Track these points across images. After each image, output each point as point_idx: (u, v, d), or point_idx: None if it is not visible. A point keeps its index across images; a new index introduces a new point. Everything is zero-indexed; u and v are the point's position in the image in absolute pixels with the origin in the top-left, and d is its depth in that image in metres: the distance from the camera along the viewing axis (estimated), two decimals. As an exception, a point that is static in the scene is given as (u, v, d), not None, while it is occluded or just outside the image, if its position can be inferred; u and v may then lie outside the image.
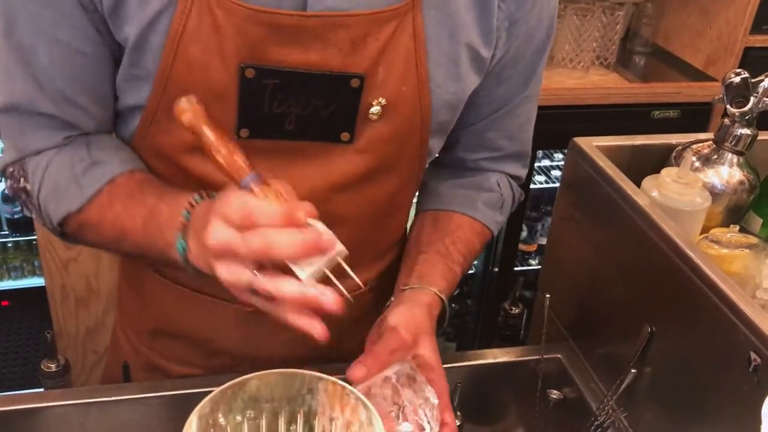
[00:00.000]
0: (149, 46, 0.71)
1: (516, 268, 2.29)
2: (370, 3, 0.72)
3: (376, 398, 0.69)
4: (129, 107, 0.78)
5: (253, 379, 0.50)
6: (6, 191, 0.82)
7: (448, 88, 0.80)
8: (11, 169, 0.80)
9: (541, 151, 2.35)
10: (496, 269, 2.23)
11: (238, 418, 0.49)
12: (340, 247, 0.61)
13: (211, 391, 0.89)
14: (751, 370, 0.72)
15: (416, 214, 0.99)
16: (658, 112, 2.04)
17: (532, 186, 2.22)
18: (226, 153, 0.62)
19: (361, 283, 0.66)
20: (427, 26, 0.75)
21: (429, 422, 0.70)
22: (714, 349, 0.79)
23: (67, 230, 0.80)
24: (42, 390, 0.93)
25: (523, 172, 1.01)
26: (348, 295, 0.62)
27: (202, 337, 0.94)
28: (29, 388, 2.39)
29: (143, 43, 0.71)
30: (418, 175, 0.90)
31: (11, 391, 2.38)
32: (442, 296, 0.84)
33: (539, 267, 2.23)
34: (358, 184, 0.83)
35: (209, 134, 0.62)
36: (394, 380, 0.71)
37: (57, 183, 0.78)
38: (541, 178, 2.40)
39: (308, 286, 0.59)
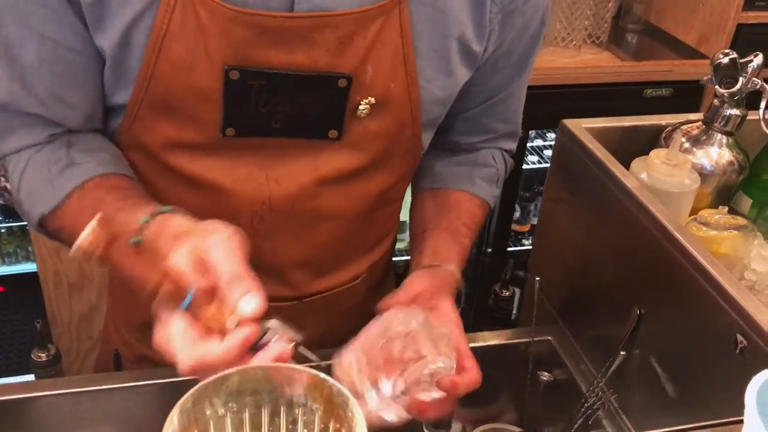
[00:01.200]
0: (132, 45, 0.70)
1: (509, 248, 2.29)
2: (358, 1, 0.71)
3: (391, 341, 0.69)
4: (113, 105, 0.77)
5: (234, 374, 0.50)
6: None
7: (438, 83, 0.79)
8: None
9: (533, 132, 2.34)
10: (489, 249, 2.23)
11: (221, 411, 0.50)
12: (290, 336, 0.60)
13: (197, 381, 0.90)
14: (737, 352, 0.73)
15: (414, 195, 0.98)
16: (650, 90, 2.04)
17: (524, 166, 2.22)
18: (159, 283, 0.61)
19: (320, 362, 0.64)
20: (416, 22, 0.74)
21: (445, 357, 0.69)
22: (702, 331, 0.79)
23: (47, 230, 0.79)
24: (33, 379, 0.93)
25: (514, 146, 1.01)
26: (315, 360, 0.63)
27: (190, 330, 0.94)
28: (21, 374, 2.40)
29: (126, 41, 0.70)
30: (411, 170, 0.90)
31: (7, 376, 2.40)
32: (458, 275, 0.83)
33: (532, 247, 2.24)
34: (348, 180, 0.82)
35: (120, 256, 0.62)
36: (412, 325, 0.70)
37: (32, 184, 0.77)
38: (534, 158, 2.40)
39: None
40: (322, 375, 0.50)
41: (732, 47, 2.04)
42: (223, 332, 0.58)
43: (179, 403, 0.46)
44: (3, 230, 2.58)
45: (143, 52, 0.70)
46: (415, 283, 0.80)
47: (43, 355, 0.93)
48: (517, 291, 2.30)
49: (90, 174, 0.76)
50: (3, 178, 0.79)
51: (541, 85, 1.91)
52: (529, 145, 2.33)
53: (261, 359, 0.58)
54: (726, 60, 0.90)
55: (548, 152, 2.40)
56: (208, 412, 0.49)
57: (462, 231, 0.89)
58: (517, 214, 2.38)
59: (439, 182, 0.95)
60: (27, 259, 2.62)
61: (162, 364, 0.96)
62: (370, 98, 0.75)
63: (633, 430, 0.90)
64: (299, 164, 0.79)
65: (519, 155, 2.17)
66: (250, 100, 0.73)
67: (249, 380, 0.50)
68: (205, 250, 0.60)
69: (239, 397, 0.50)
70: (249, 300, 0.58)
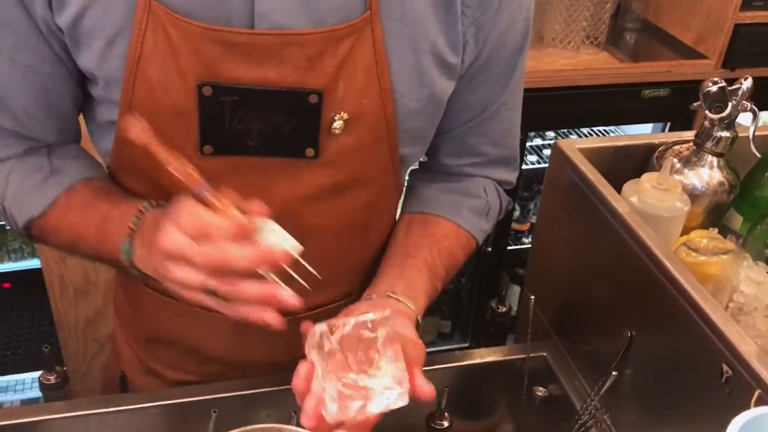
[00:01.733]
0: (109, 69, 0.73)
1: (509, 247, 2.31)
2: (323, 20, 0.72)
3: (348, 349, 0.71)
4: (106, 123, 0.80)
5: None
6: None
7: (413, 96, 0.79)
8: None
9: (532, 131, 2.36)
10: (490, 248, 2.25)
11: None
12: (292, 243, 0.66)
13: (205, 400, 0.93)
14: (723, 381, 0.75)
15: (401, 214, 0.98)
16: (648, 90, 2.05)
17: (524, 166, 2.24)
18: (177, 165, 0.67)
19: (317, 275, 0.71)
20: (388, 37, 0.75)
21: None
22: (689, 357, 0.81)
23: (32, 233, 0.84)
24: (42, 402, 0.96)
25: (512, 176, 0.99)
26: (309, 287, 0.68)
27: (194, 346, 0.96)
28: (31, 371, 2.44)
29: (103, 66, 0.73)
30: (395, 184, 0.90)
31: (14, 374, 2.43)
32: (420, 320, 0.85)
33: (527, 264, 2.26)
34: (329, 196, 0.83)
35: (159, 148, 0.66)
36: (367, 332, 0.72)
37: (19, 191, 0.82)
38: (533, 158, 2.41)
39: (265, 286, 0.65)
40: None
41: (730, 47, 2.06)
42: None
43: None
44: (8, 227, 2.61)
45: (121, 76, 0.73)
46: (378, 303, 0.82)
47: (52, 378, 0.96)
48: (516, 292, 2.32)
49: (74, 178, 0.82)
50: None
51: (539, 87, 1.92)
52: (528, 144, 2.35)
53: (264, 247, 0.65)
54: (715, 89, 0.92)
55: (547, 151, 2.41)
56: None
57: (439, 273, 0.89)
58: (516, 213, 2.40)
59: (426, 207, 0.95)
60: (32, 255, 2.64)
61: (168, 379, 1.00)
62: (343, 113, 0.76)
63: (624, 448, 0.93)
64: (279, 184, 0.80)
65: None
66: (224, 117, 0.75)
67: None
68: None
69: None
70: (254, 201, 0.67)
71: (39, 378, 0.97)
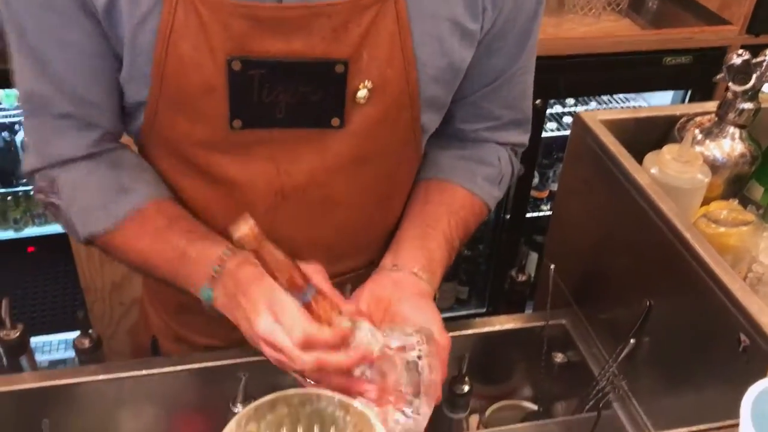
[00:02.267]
0: (141, 47, 0.74)
1: (528, 215, 2.32)
2: None
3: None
4: (133, 104, 0.82)
5: (276, 399, 0.55)
6: (35, 200, 0.87)
7: (435, 64, 0.81)
8: (42, 184, 0.84)
9: (552, 99, 2.35)
10: (508, 216, 2.26)
11: (263, 428, 0.55)
12: (383, 342, 0.72)
13: (233, 364, 0.96)
14: (740, 350, 0.77)
15: (418, 180, 0.99)
16: (670, 58, 2.03)
17: (543, 134, 2.23)
18: (280, 269, 0.69)
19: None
20: (410, 7, 0.76)
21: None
22: (707, 327, 0.83)
23: (95, 244, 0.86)
24: (77, 363, 0.99)
25: (524, 138, 1.00)
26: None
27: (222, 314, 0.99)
28: (61, 332, 2.50)
29: (135, 43, 0.74)
30: (415, 152, 0.92)
31: (45, 334, 2.50)
32: (437, 294, 0.87)
33: (550, 213, 2.27)
34: (354, 166, 0.85)
35: (269, 252, 0.68)
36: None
37: (86, 205, 0.83)
38: (553, 125, 2.40)
39: (351, 382, 0.71)
40: (349, 399, 0.56)
41: (755, 12, 2.03)
42: (330, 324, 0.70)
43: (226, 429, 0.51)
44: (32, 192, 2.64)
45: (152, 53, 0.74)
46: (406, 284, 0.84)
47: (86, 341, 0.99)
48: (534, 259, 2.33)
49: (144, 201, 0.83)
50: (53, 196, 0.84)
51: (560, 55, 1.91)
52: (548, 112, 2.34)
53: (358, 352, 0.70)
54: (739, 61, 0.92)
55: (567, 119, 2.41)
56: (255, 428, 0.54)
57: (455, 244, 0.91)
58: (536, 181, 2.40)
59: (442, 173, 0.96)
60: (56, 220, 2.68)
61: (197, 344, 1.03)
62: (367, 82, 0.78)
63: (642, 414, 0.95)
64: (307, 155, 0.83)
65: (538, 123, 2.18)
66: (253, 91, 0.77)
67: (287, 402, 0.55)
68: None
69: (278, 418, 0.56)
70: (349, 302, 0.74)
71: (74, 342, 1.00)
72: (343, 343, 0.70)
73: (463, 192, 0.96)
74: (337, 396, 0.57)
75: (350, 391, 0.71)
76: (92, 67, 0.78)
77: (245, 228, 0.65)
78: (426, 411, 0.71)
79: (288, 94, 0.78)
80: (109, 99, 0.82)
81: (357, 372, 0.72)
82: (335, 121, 0.80)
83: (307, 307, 0.69)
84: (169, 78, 0.76)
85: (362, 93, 0.78)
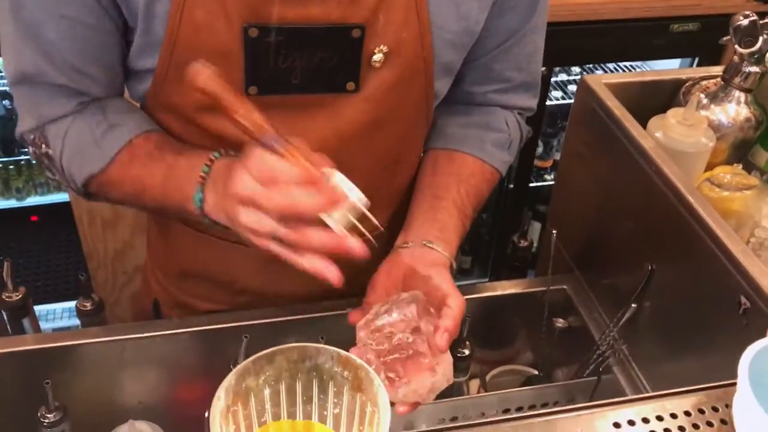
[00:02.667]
0: (156, 13, 0.73)
1: (531, 184, 2.31)
2: None
3: (390, 336, 0.74)
4: (141, 70, 0.81)
5: (274, 352, 0.55)
6: (30, 157, 0.87)
7: (451, 28, 0.81)
8: (32, 137, 0.84)
9: (557, 66, 2.32)
10: (512, 185, 2.25)
11: (261, 384, 0.55)
12: (358, 195, 0.66)
13: (235, 326, 0.96)
14: (740, 312, 0.77)
15: (426, 151, 0.99)
16: (677, 25, 2.00)
17: (548, 102, 2.22)
18: (244, 112, 0.66)
19: (380, 226, 0.70)
20: None
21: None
22: (708, 290, 0.83)
23: (90, 190, 0.85)
24: (79, 326, 1.00)
25: (533, 102, 1.00)
26: (373, 241, 0.68)
27: (227, 279, 0.99)
28: (63, 301, 2.51)
29: (150, 10, 0.73)
30: (426, 118, 0.92)
31: (50, 302, 2.51)
32: (454, 263, 0.87)
33: (554, 182, 2.26)
34: (367, 132, 0.85)
35: (226, 96, 0.65)
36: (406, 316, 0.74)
37: (78, 147, 0.82)
38: (558, 93, 2.38)
39: (333, 235, 0.65)
40: (347, 353, 0.56)
41: (764, -21, 2.00)
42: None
43: (224, 382, 0.52)
44: (34, 161, 2.64)
45: (166, 19, 0.73)
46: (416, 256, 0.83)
47: (88, 304, 1.00)
48: (537, 229, 2.33)
49: (133, 133, 0.82)
50: (44, 145, 0.83)
51: (565, 21, 1.89)
52: (553, 80, 2.32)
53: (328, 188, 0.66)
54: (746, 22, 0.90)
55: (572, 87, 2.39)
56: (250, 386, 0.54)
57: (468, 212, 0.91)
58: (539, 150, 2.39)
59: (450, 143, 0.95)
60: (58, 188, 2.68)
61: (199, 310, 1.04)
62: (383, 46, 0.78)
63: (642, 378, 0.96)
64: (320, 120, 0.82)
65: (542, 91, 2.16)
66: (269, 57, 0.76)
67: (286, 357, 0.56)
68: None
69: (277, 372, 0.56)
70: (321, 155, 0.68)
71: (76, 304, 1.01)
72: (311, 181, 0.65)
73: (472, 159, 0.95)
74: (337, 350, 0.57)
75: (338, 250, 0.66)
76: (89, 41, 0.77)
77: (200, 67, 0.63)
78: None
79: (304, 60, 0.77)
80: (104, 72, 0.82)
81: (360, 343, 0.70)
82: (350, 86, 0.80)
83: (275, 153, 0.65)
84: (182, 44, 0.75)
85: (378, 57, 0.78)
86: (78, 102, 0.82)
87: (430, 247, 0.84)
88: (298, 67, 0.78)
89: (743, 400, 0.59)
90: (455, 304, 0.76)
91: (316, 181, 0.65)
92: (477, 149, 0.95)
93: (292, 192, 0.64)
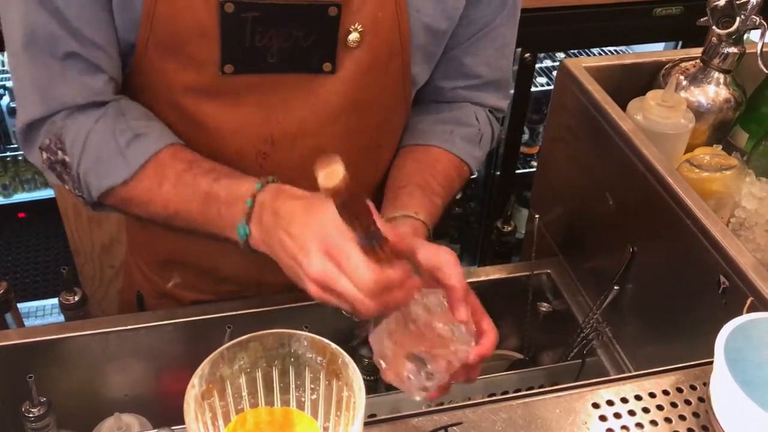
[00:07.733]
0: None
1: (517, 171, 2.31)
2: None
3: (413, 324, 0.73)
4: (126, 44, 0.79)
5: (249, 340, 0.55)
6: (41, 165, 0.80)
7: (428, 11, 0.81)
8: (47, 142, 0.79)
9: (542, 52, 2.32)
10: (498, 172, 2.25)
11: (236, 372, 0.55)
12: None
13: (219, 317, 0.96)
14: (720, 292, 0.77)
15: (397, 151, 0.98)
16: (660, 9, 2.00)
17: (533, 89, 2.22)
18: (365, 224, 0.64)
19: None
20: None
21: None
22: (688, 270, 0.83)
23: (106, 202, 0.81)
24: (64, 321, 0.99)
25: (503, 104, 0.99)
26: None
27: (209, 266, 0.99)
28: (50, 297, 2.51)
29: None
30: (405, 105, 0.91)
31: (34, 300, 2.50)
32: (425, 222, 0.85)
33: (533, 184, 2.24)
34: (345, 115, 0.85)
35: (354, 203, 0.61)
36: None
37: (100, 155, 0.78)
38: (543, 80, 2.38)
39: None
40: (322, 339, 0.56)
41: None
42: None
43: (198, 370, 0.51)
44: (20, 158, 2.63)
45: None
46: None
47: (71, 298, 0.99)
48: (524, 216, 2.33)
49: (158, 144, 0.79)
50: (60, 152, 0.78)
51: (549, 6, 1.89)
52: (538, 66, 2.32)
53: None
54: (722, 2, 0.91)
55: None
56: (224, 374, 0.54)
57: (435, 189, 0.89)
58: (525, 137, 2.39)
59: (419, 139, 0.95)
60: (45, 185, 2.68)
61: (184, 300, 1.03)
62: (358, 25, 0.78)
63: (625, 359, 0.96)
64: (297, 102, 0.82)
65: (527, 77, 2.16)
66: (245, 34, 0.76)
67: (261, 343, 0.55)
68: None
69: (252, 359, 0.56)
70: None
71: (59, 298, 1.00)
72: (408, 278, 0.68)
73: (439, 151, 0.94)
74: (311, 335, 0.57)
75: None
76: (97, 9, 0.75)
77: (340, 170, 0.55)
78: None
79: (280, 38, 0.77)
80: (111, 44, 0.78)
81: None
82: (327, 66, 0.80)
83: (367, 251, 0.64)
84: (159, 20, 0.74)
85: (354, 36, 0.79)
86: (93, 90, 0.78)
87: (393, 220, 0.83)
88: (275, 46, 0.77)
89: (720, 378, 0.60)
90: (449, 269, 0.75)
91: (410, 274, 0.68)
92: (446, 142, 0.95)
93: (398, 299, 0.67)
